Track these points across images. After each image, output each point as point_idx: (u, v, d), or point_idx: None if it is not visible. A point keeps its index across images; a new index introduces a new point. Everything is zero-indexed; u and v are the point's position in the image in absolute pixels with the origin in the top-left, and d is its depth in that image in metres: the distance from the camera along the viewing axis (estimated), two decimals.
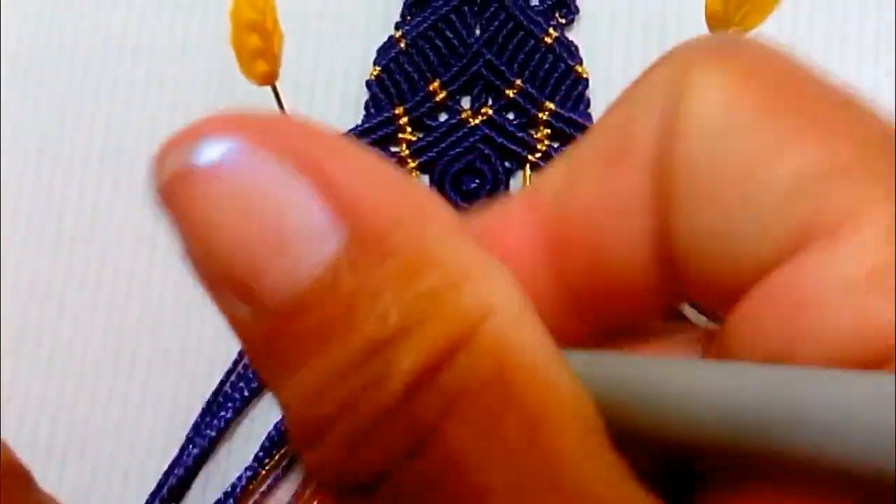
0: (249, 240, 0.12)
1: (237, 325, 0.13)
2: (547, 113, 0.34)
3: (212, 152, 0.12)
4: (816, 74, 0.15)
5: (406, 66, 0.35)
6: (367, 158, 0.13)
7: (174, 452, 0.32)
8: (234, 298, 0.13)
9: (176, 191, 0.13)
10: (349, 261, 0.12)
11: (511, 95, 0.34)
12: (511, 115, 0.35)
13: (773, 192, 0.13)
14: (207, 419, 0.32)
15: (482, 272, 0.12)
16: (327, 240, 0.12)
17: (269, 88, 0.28)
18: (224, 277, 0.13)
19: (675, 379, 0.12)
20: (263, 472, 0.32)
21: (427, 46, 0.35)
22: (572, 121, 0.34)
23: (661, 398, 0.12)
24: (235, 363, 0.33)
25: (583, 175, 0.16)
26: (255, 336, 0.13)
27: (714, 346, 0.14)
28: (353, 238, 0.12)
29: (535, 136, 0.34)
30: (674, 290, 0.15)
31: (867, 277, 0.12)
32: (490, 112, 0.34)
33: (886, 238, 0.12)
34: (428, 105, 0.34)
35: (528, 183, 0.34)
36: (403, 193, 0.13)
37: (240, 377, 0.32)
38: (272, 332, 0.12)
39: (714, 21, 0.27)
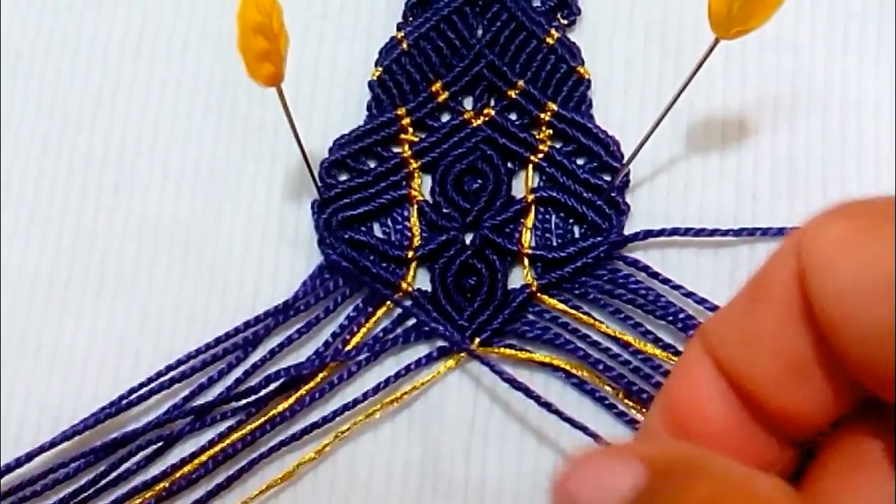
0: None
1: None
2: (549, 113, 0.34)
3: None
4: None
5: (408, 66, 0.35)
6: None
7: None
8: None
9: None
10: None
11: (513, 96, 0.34)
12: (513, 116, 0.35)
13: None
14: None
15: None
16: None
17: (270, 89, 0.28)
18: None
19: None
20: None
21: (429, 47, 0.35)
22: (574, 121, 0.34)
23: None
24: (234, 366, 0.33)
25: (735, 314, 0.21)
26: None
27: None
28: None
29: (537, 137, 0.34)
30: (841, 385, 0.20)
31: None
32: (492, 113, 0.34)
33: None
34: (430, 106, 0.34)
35: (530, 184, 0.34)
36: None
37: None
38: None
39: (717, 22, 0.27)
